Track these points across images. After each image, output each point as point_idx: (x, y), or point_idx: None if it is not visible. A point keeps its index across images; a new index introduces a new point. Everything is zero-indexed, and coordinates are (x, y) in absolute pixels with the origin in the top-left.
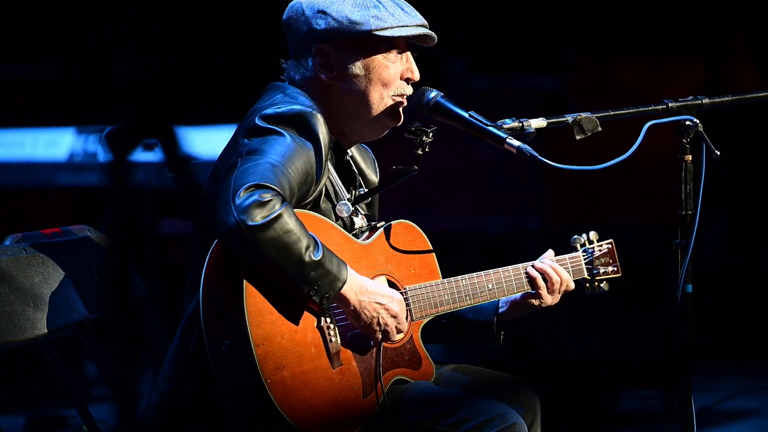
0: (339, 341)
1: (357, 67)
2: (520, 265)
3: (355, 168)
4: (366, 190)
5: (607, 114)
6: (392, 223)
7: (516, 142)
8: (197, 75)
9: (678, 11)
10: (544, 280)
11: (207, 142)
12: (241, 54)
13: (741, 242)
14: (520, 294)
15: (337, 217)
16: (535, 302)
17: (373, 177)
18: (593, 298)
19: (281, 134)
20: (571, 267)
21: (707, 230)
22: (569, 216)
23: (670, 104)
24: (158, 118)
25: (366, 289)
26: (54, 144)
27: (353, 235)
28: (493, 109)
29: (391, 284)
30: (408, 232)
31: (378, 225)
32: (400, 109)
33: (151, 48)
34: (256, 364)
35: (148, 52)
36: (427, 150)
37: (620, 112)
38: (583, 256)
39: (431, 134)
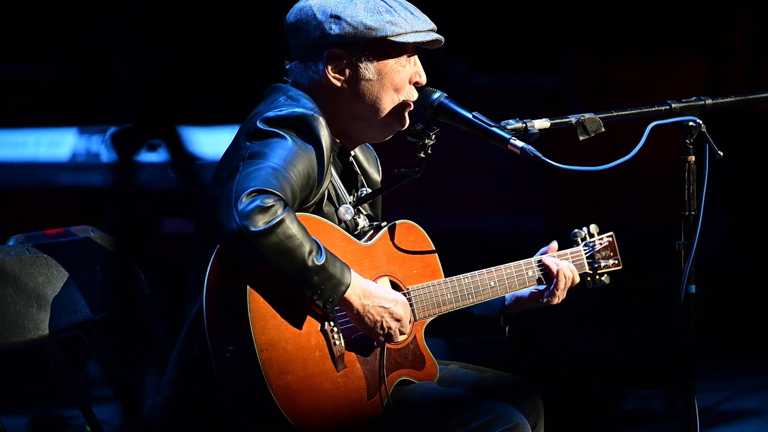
0: (343, 344)
1: (370, 72)
2: (522, 261)
3: (357, 168)
4: (369, 189)
5: (610, 115)
6: (394, 223)
7: (519, 143)
8: (201, 75)
9: (678, 11)
10: (554, 278)
11: (211, 142)
12: (245, 54)
13: (743, 242)
14: (527, 291)
15: (340, 221)
16: (542, 299)
17: (376, 176)
18: (595, 297)
19: (283, 137)
20: (573, 261)
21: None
22: (572, 216)
23: (673, 105)
24: (162, 119)
25: (370, 293)
26: (56, 144)
27: (355, 236)
28: (495, 110)
29: (394, 285)
30: (410, 232)
31: (380, 225)
32: (406, 113)
33: (154, 48)
34: (261, 370)
35: (152, 52)
36: (429, 152)
37: (623, 112)
38: (584, 250)
39: (434, 137)
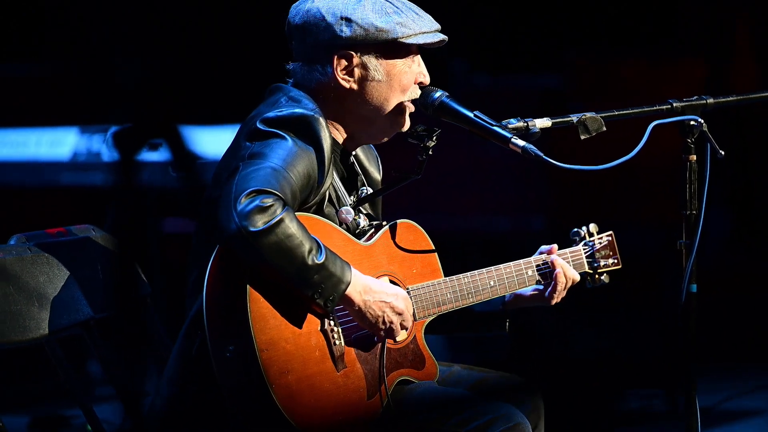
0: (343, 344)
1: (379, 74)
2: (521, 260)
3: (358, 168)
4: (369, 189)
5: (611, 114)
6: (394, 222)
7: (521, 142)
8: (202, 74)
9: (679, 11)
10: (553, 279)
11: (212, 141)
12: (246, 54)
13: (744, 242)
14: (527, 291)
15: (341, 222)
16: (543, 299)
17: (377, 175)
18: (596, 297)
19: (283, 138)
20: (573, 261)
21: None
22: (573, 216)
23: (674, 104)
24: (163, 118)
25: (370, 289)
26: (57, 143)
27: (355, 235)
28: (495, 109)
29: (394, 284)
30: (410, 231)
31: (380, 225)
32: (408, 115)
33: (155, 47)
34: (261, 370)
35: (152, 52)
36: (430, 154)
37: (625, 112)
38: (584, 249)
39: (435, 138)
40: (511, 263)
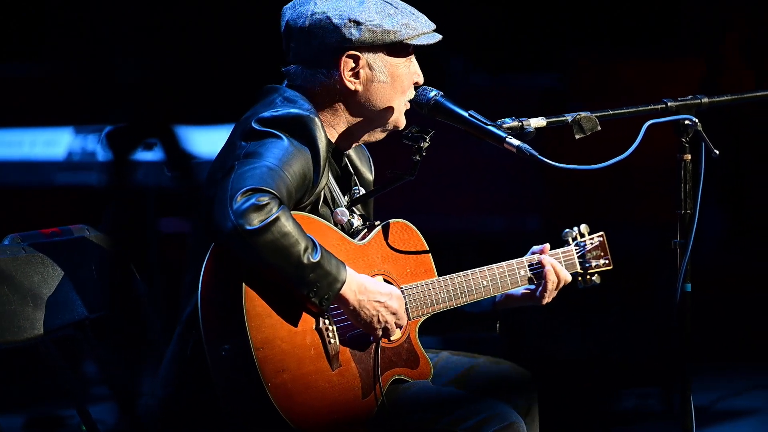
0: (338, 342)
1: (384, 75)
2: (514, 260)
3: (351, 168)
4: (362, 189)
5: (606, 113)
6: (388, 222)
7: (515, 142)
8: (197, 75)
9: (679, 10)
10: (544, 279)
11: (206, 141)
12: (241, 53)
13: (739, 241)
14: (518, 291)
15: (336, 223)
16: (533, 299)
17: (369, 175)
18: (592, 296)
19: (278, 137)
20: (564, 261)
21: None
22: (568, 215)
23: (669, 103)
24: (158, 118)
25: (365, 288)
26: (52, 143)
27: (349, 235)
28: (494, 108)
29: (388, 284)
30: (403, 231)
31: (374, 224)
32: (403, 114)
33: (150, 47)
34: (257, 368)
35: (148, 52)
36: (424, 155)
37: (619, 111)
38: (576, 249)
39: (429, 139)
40: (503, 263)
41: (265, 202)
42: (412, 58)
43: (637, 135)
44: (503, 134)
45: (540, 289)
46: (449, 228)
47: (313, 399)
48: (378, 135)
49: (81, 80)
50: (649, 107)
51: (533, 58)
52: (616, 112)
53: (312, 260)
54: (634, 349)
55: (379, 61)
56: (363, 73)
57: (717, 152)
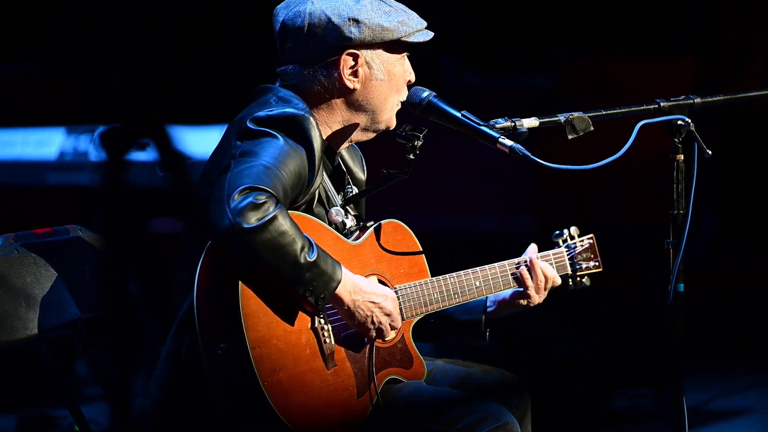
0: (333, 342)
1: (381, 73)
2: (506, 261)
3: (344, 167)
4: (355, 189)
5: (599, 113)
6: (381, 222)
7: (508, 142)
8: (190, 75)
9: (672, 11)
10: (533, 278)
11: (200, 141)
12: (235, 53)
13: (731, 242)
14: (508, 293)
15: (330, 223)
16: (523, 301)
17: (361, 175)
18: (584, 297)
19: (274, 136)
20: (555, 263)
21: (698, 229)
22: (561, 216)
23: (662, 104)
24: (151, 118)
25: (360, 288)
26: (44, 143)
27: (343, 235)
28: (486, 109)
29: (382, 284)
30: (397, 231)
31: (368, 225)
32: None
33: (144, 48)
34: (253, 367)
35: (141, 52)
36: (417, 153)
37: (612, 111)
38: (566, 251)
39: (422, 137)
40: (496, 264)
41: (262, 201)
42: (406, 56)
43: (629, 135)
44: (496, 134)
45: (530, 289)
46: (442, 228)
47: (309, 398)
48: (370, 134)
49: (73, 80)
50: (642, 107)
51: (526, 58)
52: (608, 112)
53: (308, 259)
54: (627, 350)
55: (377, 59)
56: (362, 71)
57: (710, 152)
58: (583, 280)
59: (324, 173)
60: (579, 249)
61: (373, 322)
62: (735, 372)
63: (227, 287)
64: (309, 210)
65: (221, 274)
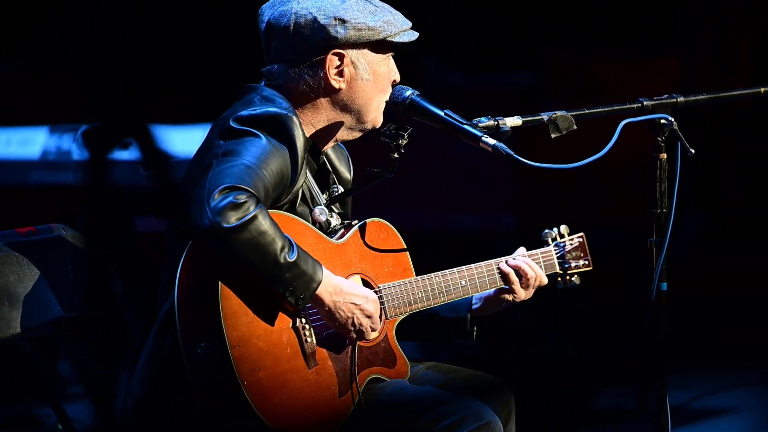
0: (314, 341)
1: (366, 73)
2: (492, 260)
3: (329, 167)
4: (341, 188)
5: (582, 112)
6: (366, 221)
7: (491, 141)
8: (173, 74)
9: (657, 9)
10: (518, 276)
11: (182, 140)
12: (219, 53)
13: (714, 240)
14: (493, 290)
15: (314, 222)
16: (509, 298)
17: (347, 174)
18: (568, 296)
19: (257, 136)
20: (543, 261)
21: (681, 228)
22: (544, 214)
23: (645, 102)
24: (134, 117)
25: (341, 290)
26: (27, 142)
27: (327, 234)
28: (470, 108)
29: (365, 283)
30: (381, 230)
31: (352, 223)
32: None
33: (127, 47)
34: (233, 366)
35: (124, 51)
36: (402, 152)
37: (595, 110)
38: (555, 250)
39: (407, 136)
40: (482, 263)
41: (242, 201)
42: (390, 56)
43: (612, 134)
44: (479, 133)
45: (516, 286)
46: (425, 226)
47: (289, 397)
48: (356, 134)
49: (57, 80)
50: (625, 106)
51: (510, 57)
52: (592, 111)
53: (288, 259)
54: (610, 349)
55: (362, 59)
56: (347, 71)
57: (693, 151)
58: (573, 278)
59: (308, 172)
60: (568, 247)
61: (353, 324)
62: (718, 371)
63: (207, 286)
64: (292, 209)
65: (202, 273)
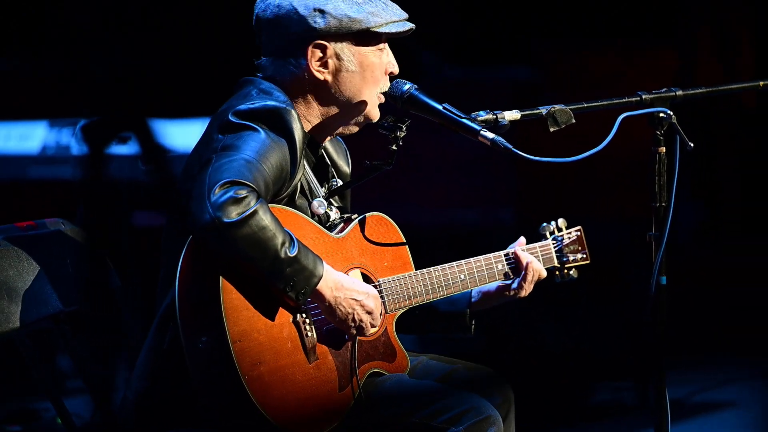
0: (315, 336)
1: (353, 65)
2: (491, 254)
3: (328, 160)
4: (339, 181)
5: (580, 106)
6: (366, 215)
7: (490, 135)
8: (172, 67)
9: (655, 2)
10: (518, 271)
11: (182, 134)
12: (216, 47)
13: (713, 234)
14: (494, 285)
15: (313, 214)
16: (509, 293)
17: (346, 168)
18: (566, 290)
19: (255, 130)
20: (542, 255)
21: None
22: (542, 208)
23: (644, 96)
24: (133, 111)
25: (342, 285)
26: (26, 137)
27: (327, 228)
28: (467, 102)
29: (365, 277)
30: (381, 224)
31: (352, 218)
32: (378, 105)
33: (124, 40)
34: (234, 361)
35: (122, 45)
36: (400, 144)
37: (594, 104)
38: (553, 244)
39: (405, 129)
40: (481, 257)
41: (243, 195)
42: (385, 47)
43: (611, 128)
44: (477, 127)
45: (517, 282)
46: (423, 220)
47: (290, 392)
48: (352, 127)
49: (55, 74)
50: (624, 100)
51: (508, 51)
52: (590, 104)
53: (289, 254)
54: (609, 343)
55: (347, 50)
56: (331, 62)
57: (692, 145)
58: (571, 272)
59: (306, 165)
60: (566, 241)
61: (354, 320)
62: (717, 365)
63: (208, 281)
64: (291, 201)
65: (202, 268)
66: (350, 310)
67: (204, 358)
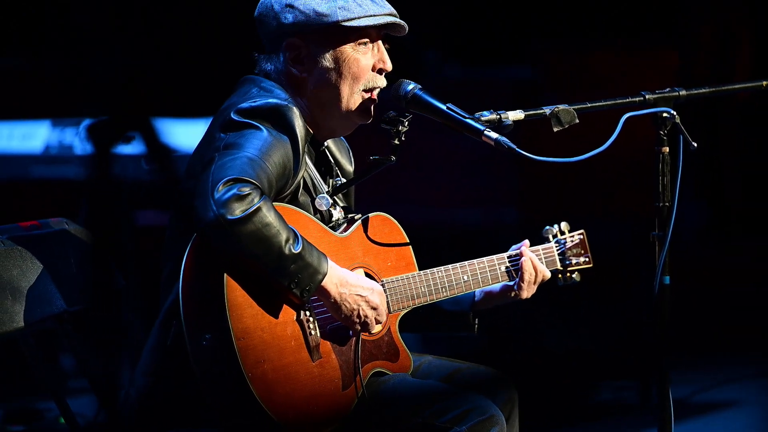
0: (318, 334)
1: (327, 60)
2: (495, 256)
3: (331, 158)
4: (342, 179)
5: (584, 106)
6: (369, 215)
7: (493, 134)
8: (175, 67)
9: (657, 2)
10: (522, 273)
11: (185, 134)
12: (219, 46)
13: (717, 234)
14: (497, 286)
15: (316, 211)
16: (512, 294)
17: (348, 167)
18: (569, 290)
19: (258, 128)
20: (545, 258)
21: (684, 222)
22: (546, 209)
23: (647, 96)
24: (136, 111)
25: (346, 281)
26: (30, 137)
27: (330, 227)
28: (468, 101)
29: (369, 277)
30: (385, 224)
31: (355, 217)
32: (371, 107)
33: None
34: (238, 358)
35: (126, 44)
36: (403, 139)
37: (598, 104)
38: (556, 246)
39: (407, 123)
40: (484, 258)
41: (246, 192)
42: (375, 44)
43: (614, 128)
44: (481, 127)
45: (518, 281)
46: (425, 220)
47: (293, 390)
48: (340, 125)
49: (59, 73)
50: (627, 100)
51: (510, 50)
52: (594, 104)
53: (293, 251)
54: (612, 343)
55: (320, 45)
56: (305, 58)
57: (695, 145)
58: (573, 275)
59: (309, 162)
60: (569, 244)
61: (359, 316)
62: (720, 364)
63: (212, 279)
64: (294, 198)
65: (206, 266)
66: (355, 306)
67: (207, 355)
